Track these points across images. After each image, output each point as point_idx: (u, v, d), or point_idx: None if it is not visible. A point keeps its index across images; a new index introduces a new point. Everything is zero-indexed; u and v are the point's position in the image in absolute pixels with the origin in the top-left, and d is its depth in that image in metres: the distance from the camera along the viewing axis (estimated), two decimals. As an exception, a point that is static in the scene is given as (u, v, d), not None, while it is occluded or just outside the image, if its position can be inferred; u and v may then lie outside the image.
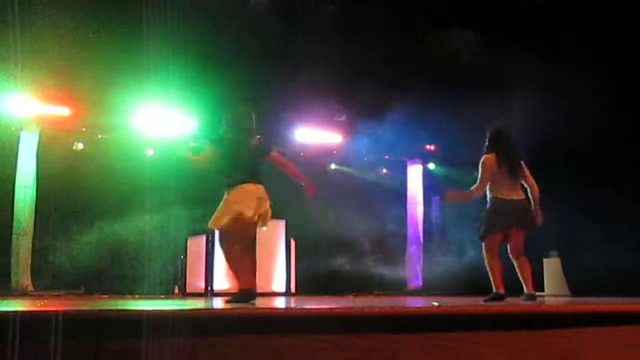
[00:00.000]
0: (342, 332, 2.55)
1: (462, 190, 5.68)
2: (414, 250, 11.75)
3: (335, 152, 11.45)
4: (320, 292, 9.86)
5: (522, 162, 5.43)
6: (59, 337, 2.16)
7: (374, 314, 2.74)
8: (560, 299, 7.22)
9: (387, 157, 11.84)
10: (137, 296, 8.32)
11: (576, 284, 9.51)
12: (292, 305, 4.80)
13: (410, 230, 11.85)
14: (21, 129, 9.13)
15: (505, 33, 9.09)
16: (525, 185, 5.41)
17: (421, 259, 11.70)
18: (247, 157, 4.68)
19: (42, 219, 8.92)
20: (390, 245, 11.43)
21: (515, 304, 4.31)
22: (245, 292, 4.49)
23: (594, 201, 8.47)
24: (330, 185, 11.15)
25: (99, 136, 9.80)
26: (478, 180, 5.31)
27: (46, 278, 8.75)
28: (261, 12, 9.70)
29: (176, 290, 9.67)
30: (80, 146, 9.72)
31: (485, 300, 5.16)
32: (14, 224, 8.93)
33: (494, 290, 5.29)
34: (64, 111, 9.16)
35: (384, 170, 12.07)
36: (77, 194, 9.03)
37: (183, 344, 2.31)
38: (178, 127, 9.70)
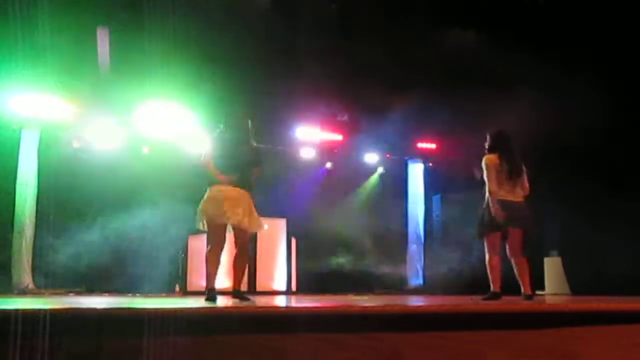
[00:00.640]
0: (342, 331, 2.55)
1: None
2: (414, 249, 11.76)
3: (335, 150, 11.45)
4: (321, 291, 9.87)
5: (523, 165, 5.52)
6: (60, 336, 2.16)
7: (375, 312, 2.74)
8: (560, 298, 7.23)
9: (387, 155, 11.84)
10: (137, 295, 8.33)
11: (577, 283, 9.51)
12: (293, 304, 4.80)
13: (411, 229, 11.85)
14: (22, 128, 9.15)
15: (505, 32, 9.08)
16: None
17: (422, 257, 11.71)
18: (236, 162, 4.72)
19: (42, 217, 8.93)
20: (391, 244, 11.44)
21: (515, 303, 4.31)
22: (208, 292, 4.60)
23: (595, 201, 8.46)
24: (331, 184, 11.17)
25: (100, 135, 9.80)
26: (487, 181, 5.40)
27: (47, 276, 8.76)
28: (262, 10, 9.69)
29: (177, 289, 9.68)
30: (80, 145, 9.73)
31: (483, 299, 5.21)
32: (15, 222, 8.95)
33: (492, 289, 5.37)
34: (64, 110, 9.16)
35: (385, 169, 12.07)
36: (77, 192, 9.04)
37: (183, 342, 2.32)
38: (178, 125, 9.71)
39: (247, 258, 4.94)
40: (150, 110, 9.54)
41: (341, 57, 9.55)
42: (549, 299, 6.49)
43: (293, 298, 7.69)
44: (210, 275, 4.71)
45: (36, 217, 9.03)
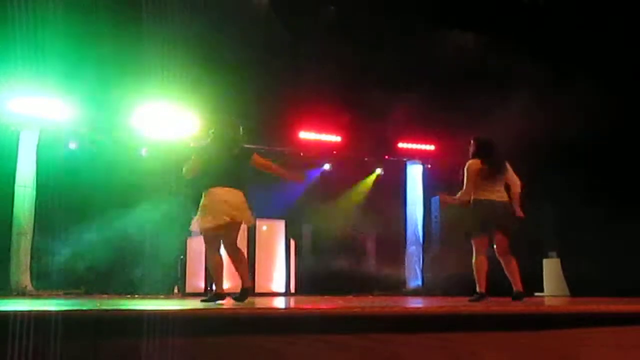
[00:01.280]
0: (342, 332, 2.55)
1: (451, 195, 5.87)
2: (413, 251, 11.75)
3: (334, 152, 11.45)
4: (320, 292, 9.86)
5: (506, 163, 5.63)
6: (58, 337, 2.15)
7: (374, 314, 2.74)
8: (559, 300, 7.23)
9: (386, 157, 11.84)
10: (136, 296, 8.32)
11: (575, 285, 9.51)
12: (292, 305, 4.80)
13: (409, 231, 11.85)
14: (21, 129, 9.14)
15: (505, 34, 9.09)
16: (509, 184, 5.59)
17: (421, 259, 11.71)
18: (228, 164, 4.85)
19: (41, 218, 8.92)
20: (390, 246, 11.44)
21: (515, 304, 4.31)
22: (215, 295, 4.82)
23: (595, 202, 8.47)
24: (330, 185, 11.17)
25: (99, 136, 9.80)
26: (464, 186, 5.52)
27: (45, 278, 8.75)
28: (262, 12, 9.70)
29: (176, 290, 9.67)
30: (79, 146, 9.73)
31: (470, 300, 5.31)
32: (14, 223, 8.94)
33: (477, 289, 5.47)
34: (63, 110, 9.16)
35: (384, 171, 12.07)
36: (76, 194, 9.03)
37: (182, 344, 2.31)
38: (178, 127, 9.71)
39: (241, 252, 5.02)
40: (149, 112, 9.54)
41: (341, 58, 9.55)
42: (548, 301, 6.50)
43: (292, 299, 7.69)
44: (219, 280, 4.87)
45: (35, 218, 9.02)
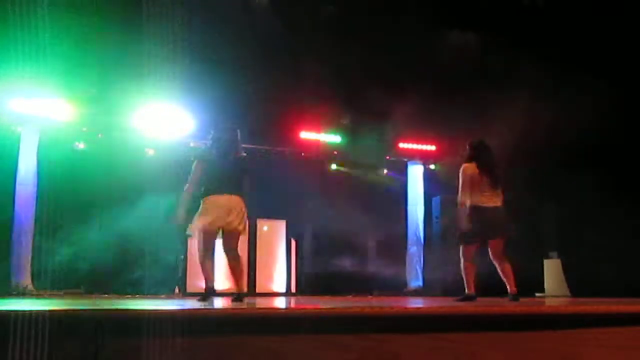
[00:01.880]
0: (342, 332, 2.55)
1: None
2: (414, 251, 11.74)
3: (335, 152, 11.45)
4: (321, 293, 9.87)
5: (501, 174, 5.71)
6: (59, 337, 2.16)
7: (374, 314, 2.74)
8: (560, 300, 7.23)
9: (387, 157, 11.84)
10: (137, 296, 8.32)
11: (576, 285, 9.51)
12: (293, 305, 4.81)
13: (410, 231, 11.84)
14: (22, 128, 9.14)
15: (505, 34, 9.09)
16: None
17: (421, 259, 11.70)
18: (225, 170, 4.94)
19: (42, 218, 8.92)
20: (390, 246, 11.42)
21: (515, 305, 4.31)
22: (206, 293, 4.93)
23: (595, 202, 8.46)
24: (331, 185, 11.16)
25: (100, 135, 9.80)
26: (460, 191, 5.60)
27: (46, 277, 8.75)
28: (262, 11, 9.70)
29: (176, 290, 9.67)
30: (80, 146, 9.73)
31: (457, 300, 5.46)
32: (14, 223, 8.94)
33: (466, 291, 5.63)
34: (64, 110, 9.16)
35: (385, 171, 12.07)
36: (77, 193, 9.03)
37: (183, 344, 2.31)
38: (178, 127, 9.71)
39: (240, 259, 5.10)
40: (151, 111, 9.54)
41: (341, 58, 9.55)
42: (549, 301, 6.50)
43: (292, 299, 7.69)
44: (209, 277, 4.94)
45: (35, 218, 9.01)
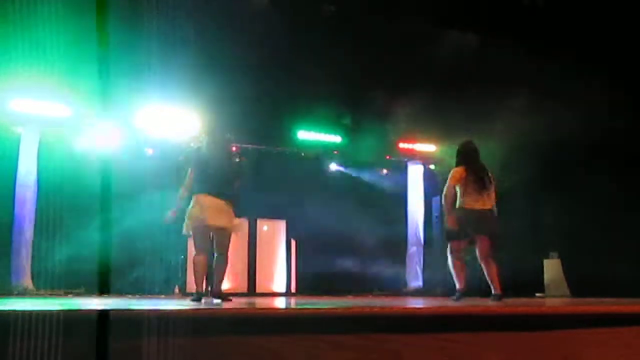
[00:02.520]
0: (342, 332, 2.55)
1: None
2: (414, 251, 11.74)
3: (335, 152, 11.45)
4: (321, 293, 9.87)
5: (491, 177, 5.84)
6: (59, 337, 2.16)
7: (374, 314, 2.74)
8: (560, 300, 7.23)
9: (387, 157, 11.84)
10: (137, 296, 8.32)
11: (576, 285, 9.51)
12: (292, 305, 4.81)
13: (410, 231, 11.84)
14: (22, 129, 9.14)
15: (505, 34, 9.09)
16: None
17: (421, 259, 11.70)
18: (218, 173, 5.07)
19: (42, 218, 8.92)
20: (390, 246, 11.42)
21: (515, 305, 4.30)
22: (198, 294, 5.05)
23: (595, 201, 8.46)
24: (331, 185, 11.16)
25: (100, 136, 9.79)
26: (444, 190, 5.80)
27: (46, 277, 8.75)
28: (262, 11, 9.70)
29: (176, 290, 9.67)
30: (80, 146, 9.73)
31: (454, 300, 5.64)
32: (15, 223, 8.94)
33: (457, 287, 5.79)
34: (64, 111, 9.16)
35: (385, 171, 12.07)
36: (77, 194, 9.02)
37: (183, 344, 2.32)
38: (179, 127, 9.71)
39: (226, 261, 5.20)
40: (151, 112, 9.54)
41: (341, 58, 9.55)
42: (549, 301, 6.50)
43: (292, 299, 7.69)
44: (199, 280, 5.09)
45: (36, 218, 9.01)
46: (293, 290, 10.53)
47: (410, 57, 9.62)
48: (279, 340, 2.46)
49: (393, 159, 11.90)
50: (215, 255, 5.13)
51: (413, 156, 11.89)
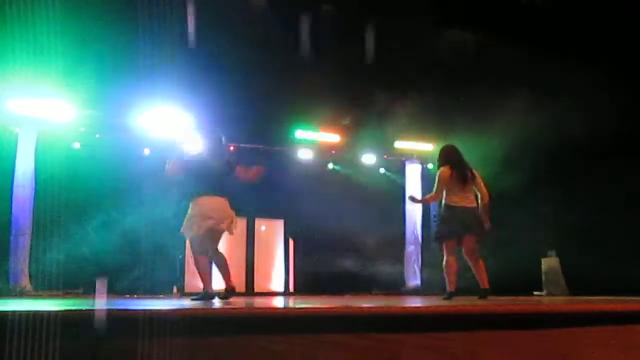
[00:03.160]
0: (341, 331, 2.54)
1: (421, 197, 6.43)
2: (412, 250, 11.76)
3: (333, 151, 11.44)
4: (319, 292, 9.87)
5: (474, 171, 5.99)
6: (58, 337, 2.15)
7: (374, 313, 2.74)
8: (558, 299, 7.24)
9: (385, 156, 11.84)
10: (135, 296, 8.32)
11: (575, 284, 9.52)
12: (291, 305, 4.80)
13: (408, 230, 11.85)
14: (19, 129, 9.12)
15: (504, 33, 9.09)
16: (478, 193, 5.98)
17: (419, 258, 11.71)
18: (212, 173, 5.16)
19: (40, 219, 8.90)
20: (388, 245, 11.43)
21: (514, 303, 4.30)
22: (205, 294, 5.07)
23: (593, 200, 8.47)
24: (329, 185, 11.16)
25: (97, 136, 9.79)
26: (434, 189, 6.01)
27: (44, 278, 8.73)
28: (261, 10, 9.69)
29: (175, 290, 9.67)
30: (78, 146, 9.72)
31: (443, 299, 5.71)
32: (12, 223, 8.92)
33: (447, 289, 5.89)
34: (62, 111, 9.15)
35: (383, 170, 12.07)
36: (75, 194, 9.01)
37: (181, 344, 2.31)
38: (176, 126, 9.70)
39: (222, 255, 5.24)
40: (148, 111, 9.53)
41: (339, 57, 9.55)
42: (547, 300, 6.50)
43: (291, 299, 7.69)
44: (206, 277, 5.12)
45: (33, 218, 9.00)
46: (291, 289, 10.53)
47: (409, 56, 9.62)
48: (279, 340, 2.45)
49: (391, 158, 11.91)
50: (210, 253, 5.17)
51: (411, 155, 11.90)
